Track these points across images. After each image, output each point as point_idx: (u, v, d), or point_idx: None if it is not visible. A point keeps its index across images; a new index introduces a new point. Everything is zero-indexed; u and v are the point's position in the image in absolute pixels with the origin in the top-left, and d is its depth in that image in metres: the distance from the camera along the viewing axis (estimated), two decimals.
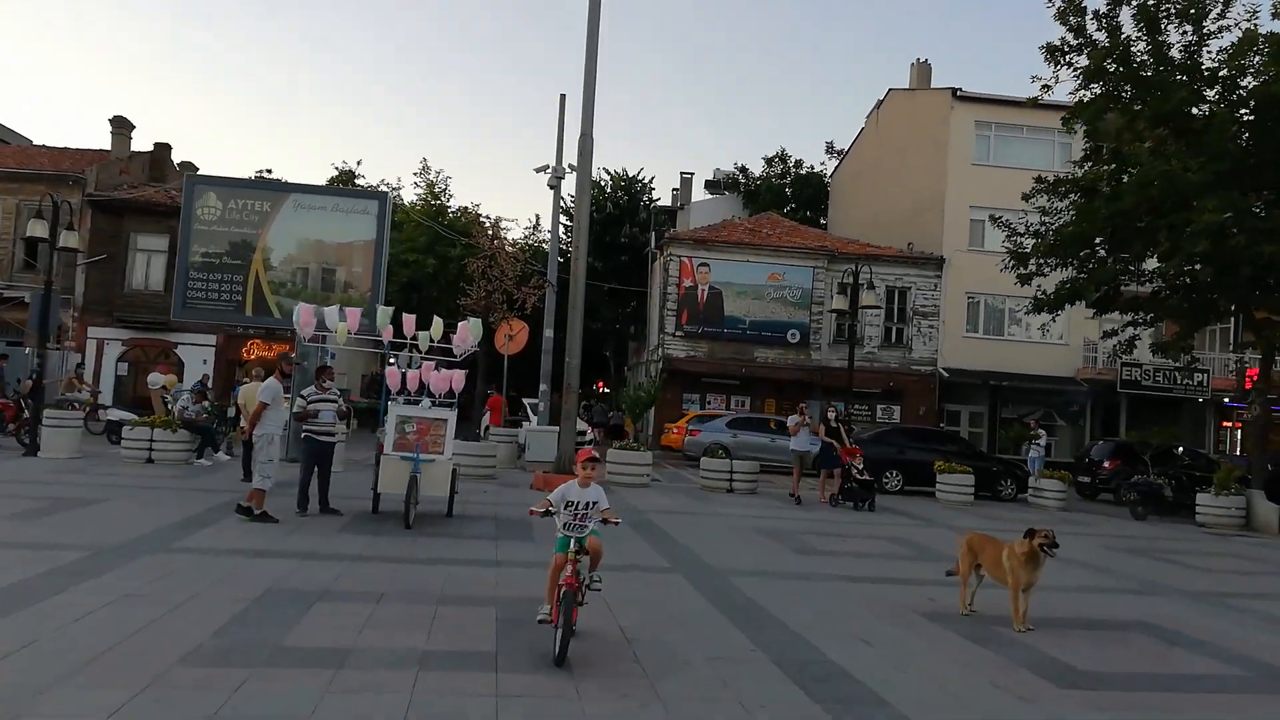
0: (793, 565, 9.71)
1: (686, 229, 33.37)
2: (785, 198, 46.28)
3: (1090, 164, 20.55)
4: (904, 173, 35.57)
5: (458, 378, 11.33)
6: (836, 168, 44.72)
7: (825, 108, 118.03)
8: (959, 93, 32.64)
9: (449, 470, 10.89)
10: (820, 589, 8.44)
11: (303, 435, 10.95)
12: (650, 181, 37.65)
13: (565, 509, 5.68)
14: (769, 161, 48.80)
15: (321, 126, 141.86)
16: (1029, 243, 20.50)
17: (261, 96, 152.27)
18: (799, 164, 48.50)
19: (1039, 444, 23.15)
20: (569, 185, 15.54)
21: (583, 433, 21.36)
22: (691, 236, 31.44)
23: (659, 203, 38.63)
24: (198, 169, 34.95)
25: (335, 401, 11.00)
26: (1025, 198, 21.98)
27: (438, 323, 11.55)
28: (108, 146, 32.14)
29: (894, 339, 32.34)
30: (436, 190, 37.17)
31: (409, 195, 40.36)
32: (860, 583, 8.91)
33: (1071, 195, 21.24)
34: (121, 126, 32.09)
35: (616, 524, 6.01)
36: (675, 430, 27.51)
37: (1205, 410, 32.72)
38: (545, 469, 17.24)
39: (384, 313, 11.61)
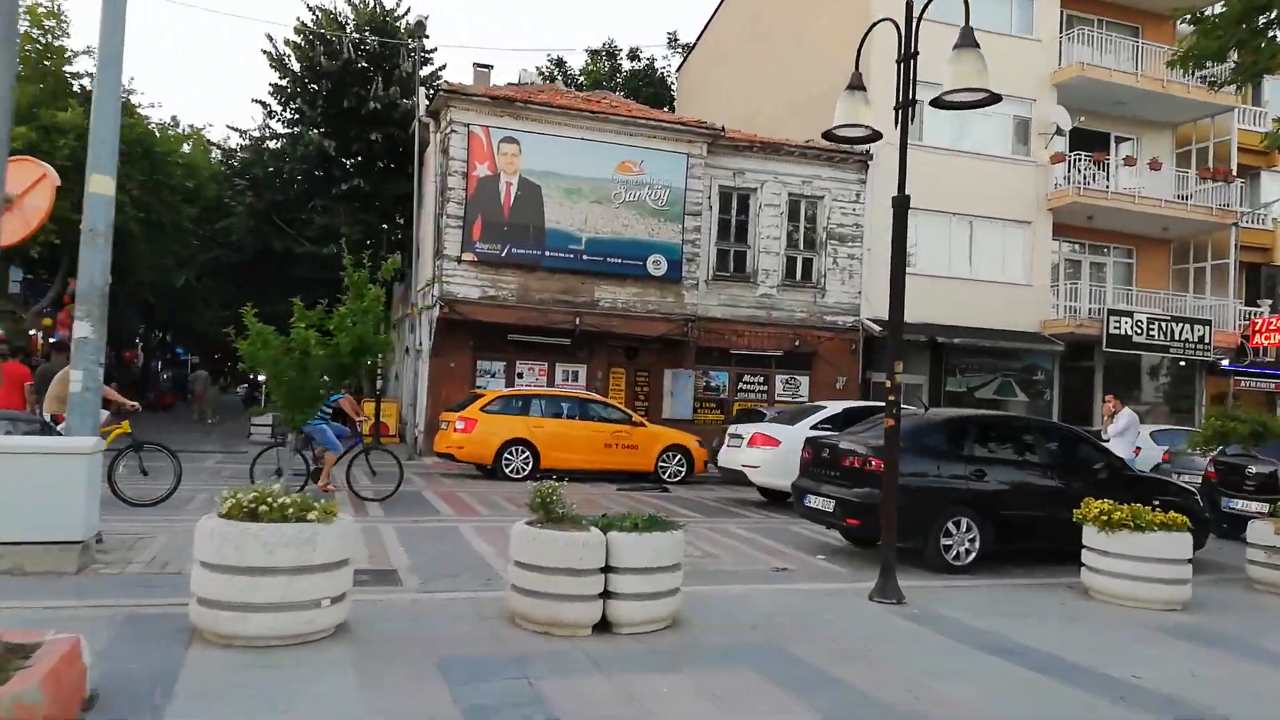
0: None
1: (483, 86, 20.63)
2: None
3: None
4: (797, 48, 24.68)
5: None
6: (685, 59, 33.45)
7: None
8: None
9: None
10: None
11: None
12: (421, 23, 23.89)
13: None
14: (594, 55, 36.58)
15: None
16: None
17: None
18: (634, 55, 36.56)
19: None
20: None
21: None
22: (491, 94, 18.84)
23: (432, 57, 24.65)
24: None
25: None
26: None
27: None
28: None
29: (799, 275, 21.46)
30: (47, 25, 22.01)
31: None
32: None
33: None
34: None
35: None
36: (459, 424, 15.22)
37: (1194, 375, 24.29)
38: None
39: None
